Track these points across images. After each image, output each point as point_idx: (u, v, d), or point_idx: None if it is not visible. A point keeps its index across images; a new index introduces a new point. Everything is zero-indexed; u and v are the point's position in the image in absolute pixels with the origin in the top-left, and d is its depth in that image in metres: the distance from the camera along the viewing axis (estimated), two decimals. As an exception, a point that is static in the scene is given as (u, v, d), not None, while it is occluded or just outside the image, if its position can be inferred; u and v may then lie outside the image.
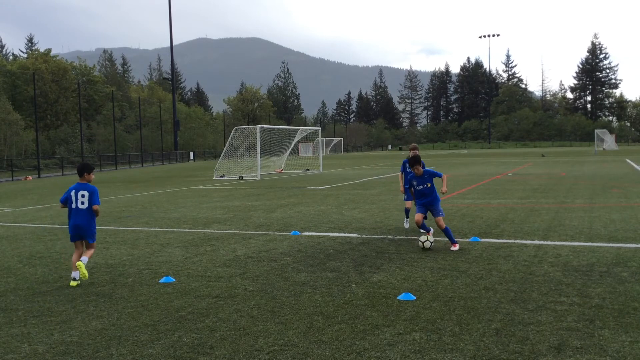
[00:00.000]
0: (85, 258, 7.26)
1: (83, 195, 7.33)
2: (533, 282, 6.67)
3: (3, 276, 7.81)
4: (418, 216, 8.97)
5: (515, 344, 4.73)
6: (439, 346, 4.72)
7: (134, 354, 4.74)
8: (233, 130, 35.06)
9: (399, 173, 11.12)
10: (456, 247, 8.76)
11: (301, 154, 76.34)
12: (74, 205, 7.35)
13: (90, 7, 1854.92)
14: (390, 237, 10.15)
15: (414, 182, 9.13)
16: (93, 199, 7.35)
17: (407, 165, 10.58)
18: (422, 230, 9.52)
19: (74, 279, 7.18)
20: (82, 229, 7.35)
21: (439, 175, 9.10)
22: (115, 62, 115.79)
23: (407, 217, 10.98)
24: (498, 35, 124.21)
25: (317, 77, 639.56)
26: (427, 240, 8.73)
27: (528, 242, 9.29)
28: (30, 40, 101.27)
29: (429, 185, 8.98)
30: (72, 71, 73.06)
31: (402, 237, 10.14)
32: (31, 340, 5.13)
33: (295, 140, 40.40)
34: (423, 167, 9.28)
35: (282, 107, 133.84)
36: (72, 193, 7.39)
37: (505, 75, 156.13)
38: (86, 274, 7.17)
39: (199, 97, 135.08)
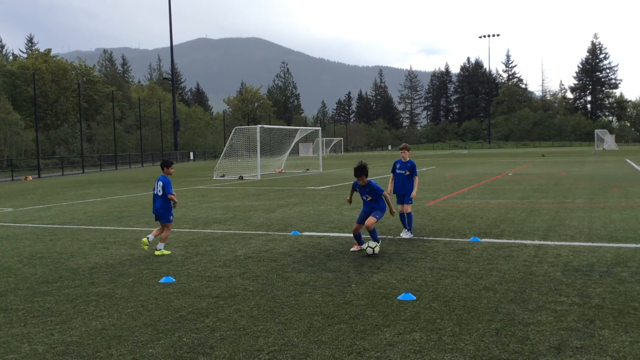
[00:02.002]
0: (150, 236, 9.02)
1: (159, 185, 9.20)
2: (533, 282, 6.67)
3: (3, 276, 7.81)
4: (357, 226, 8.88)
5: (515, 344, 4.73)
6: (439, 346, 4.72)
7: (134, 354, 4.74)
8: (233, 130, 35.05)
9: (390, 174, 10.67)
10: (357, 248, 8.90)
11: (301, 154, 76.32)
12: (154, 192, 9.31)
13: (90, 7, 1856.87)
14: (390, 237, 10.14)
15: (357, 189, 8.92)
16: (166, 189, 9.13)
17: (397, 166, 10.40)
18: (358, 242, 9.08)
19: (158, 250, 9.07)
20: (158, 210, 9.21)
21: (379, 192, 8.73)
22: (115, 62, 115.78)
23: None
24: (498, 35, 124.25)
25: (317, 77, 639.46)
26: (369, 247, 8.45)
27: (528, 242, 9.28)
28: (30, 40, 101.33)
29: (369, 199, 8.77)
30: (72, 71, 73.06)
31: (402, 237, 10.12)
32: (31, 340, 5.13)
33: (295, 140, 40.38)
34: (371, 182, 8.79)
35: (282, 107, 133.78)
36: (155, 183, 9.29)
37: (505, 75, 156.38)
38: (164, 252, 9.02)
39: (199, 97, 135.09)
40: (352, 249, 9.01)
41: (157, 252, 9.00)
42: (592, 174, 25.89)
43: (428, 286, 6.63)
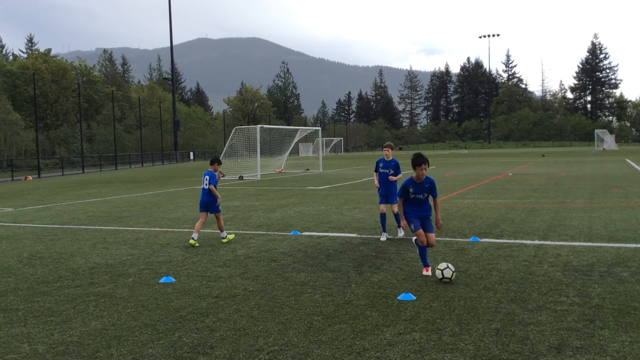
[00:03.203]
0: (224, 233, 10.14)
1: (206, 179, 10.13)
2: (533, 282, 6.67)
3: (3, 276, 7.81)
4: (422, 233, 7.19)
5: (515, 344, 4.73)
6: (439, 346, 4.72)
7: (134, 354, 4.73)
8: (233, 130, 35.05)
9: (374, 174, 10.36)
10: (428, 271, 7.24)
11: (301, 154, 76.30)
12: (202, 186, 10.24)
13: (90, 7, 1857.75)
14: (390, 237, 10.13)
15: (410, 189, 7.25)
16: (211, 181, 10.10)
17: (380, 165, 10.08)
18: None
19: (193, 239, 9.76)
20: (205, 202, 10.15)
21: (435, 195, 7.38)
22: (115, 62, 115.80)
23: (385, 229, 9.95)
24: (498, 35, 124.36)
25: (317, 77, 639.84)
26: (448, 268, 6.77)
27: (528, 242, 9.28)
28: (30, 40, 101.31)
29: (425, 196, 7.29)
30: (72, 71, 73.05)
31: (402, 237, 10.12)
32: (31, 340, 5.13)
33: (295, 140, 40.37)
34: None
35: (282, 107, 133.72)
36: (203, 177, 10.25)
37: (505, 75, 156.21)
38: (230, 237, 10.15)
39: (199, 97, 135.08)
40: (427, 272, 7.23)
41: (224, 240, 10.05)
42: (592, 174, 25.89)
43: (428, 286, 6.63)
